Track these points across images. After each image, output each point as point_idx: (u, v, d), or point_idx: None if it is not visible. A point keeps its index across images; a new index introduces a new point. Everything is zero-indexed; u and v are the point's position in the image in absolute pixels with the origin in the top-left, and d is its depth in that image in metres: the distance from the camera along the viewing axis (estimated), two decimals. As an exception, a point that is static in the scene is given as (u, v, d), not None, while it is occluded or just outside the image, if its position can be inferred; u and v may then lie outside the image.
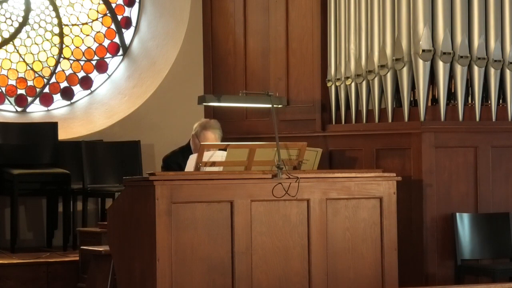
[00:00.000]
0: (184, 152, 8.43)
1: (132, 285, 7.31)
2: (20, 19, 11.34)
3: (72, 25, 11.60)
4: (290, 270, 7.55)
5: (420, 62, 8.93)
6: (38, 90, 11.38)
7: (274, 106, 7.99)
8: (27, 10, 11.35)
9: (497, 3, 9.16)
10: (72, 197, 10.59)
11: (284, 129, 9.68)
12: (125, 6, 11.82)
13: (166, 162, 8.55)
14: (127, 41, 11.82)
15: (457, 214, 8.89)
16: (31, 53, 11.39)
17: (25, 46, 11.36)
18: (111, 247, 7.67)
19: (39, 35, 11.44)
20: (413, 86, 9.03)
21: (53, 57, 11.48)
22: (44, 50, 11.46)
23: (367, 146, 9.32)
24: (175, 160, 8.39)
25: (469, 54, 9.04)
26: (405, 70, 9.02)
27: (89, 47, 11.66)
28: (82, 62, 11.62)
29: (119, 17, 11.80)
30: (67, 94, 11.53)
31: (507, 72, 9.17)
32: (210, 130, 8.44)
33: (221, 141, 8.40)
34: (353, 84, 9.46)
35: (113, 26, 11.78)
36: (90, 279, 8.51)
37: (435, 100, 9.05)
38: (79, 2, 11.63)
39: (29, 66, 11.37)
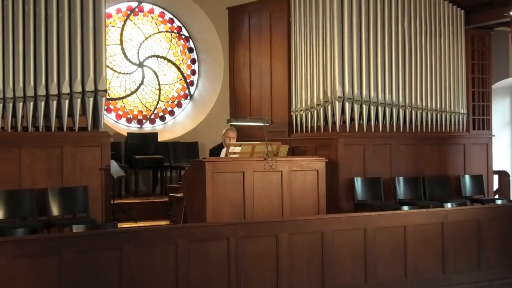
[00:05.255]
0: (220, 146, 8.41)
1: (194, 214, 7.34)
2: (139, 81, 11.27)
3: (165, 84, 11.56)
4: (272, 206, 7.56)
5: (337, 103, 8.94)
6: (148, 116, 11.34)
7: (265, 124, 8.00)
8: (143, 77, 11.31)
9: (375, 70, 9.16)
10: (165, 170, 10.57)
11: (270, 136, 9.62)
12: (191, 75, 11.75)
13: (211, 152, 8.53)
14: (192, 92, 11.76)
15: (355, 178, 8.94)
16: (144, 98, 11.35)
17: (142, 94, 11.31)
18: (184, 194, 7.70)
19: (148, 89, 11.39)
20: (333, 114, 9.03)
21: (155, 100, 11.44)
22: (151, 97, 11.40)
23: (311, 144, 9.32)
24: (216, 151, 8.36)
25: (360, 98, 9.05)
26: (329, 107, 9.03)
27: (173, 95, 11.61)
28: (169, 103, 11.58)
29: (188, 80, 11.73)
30: (163, 118, 11.48)
31: (379, 108, 9.18)
32: (230, 130, 8.41)
33: (237, 139, 8.37)
34: (303, 114, 9.47)
35: (185, 85, 11.72)
36: (173, 210, 8.50)
37: (344, 121, 9.06)
38: (168, 73, 11.57)
39: (143, 105, 11.34)
